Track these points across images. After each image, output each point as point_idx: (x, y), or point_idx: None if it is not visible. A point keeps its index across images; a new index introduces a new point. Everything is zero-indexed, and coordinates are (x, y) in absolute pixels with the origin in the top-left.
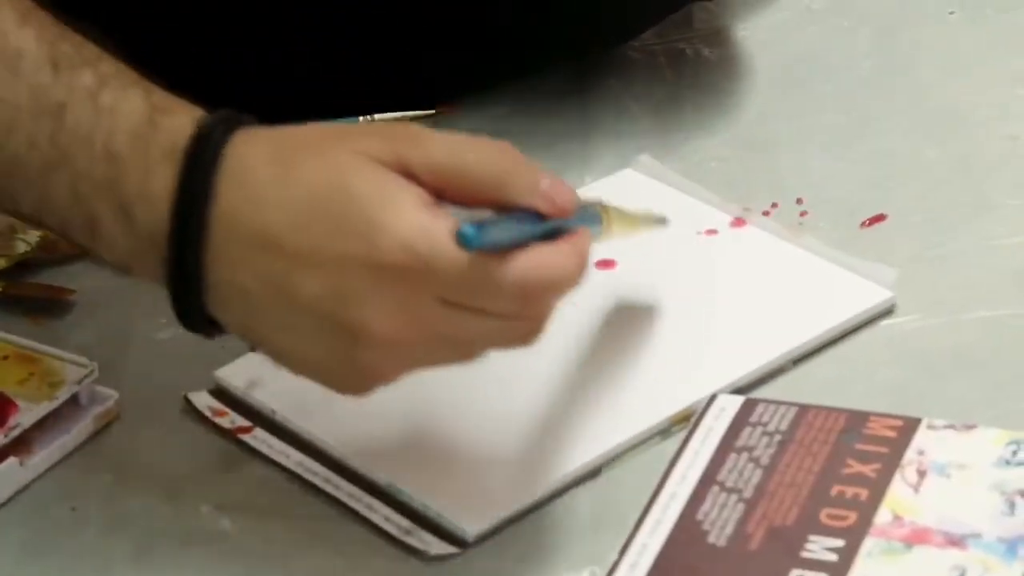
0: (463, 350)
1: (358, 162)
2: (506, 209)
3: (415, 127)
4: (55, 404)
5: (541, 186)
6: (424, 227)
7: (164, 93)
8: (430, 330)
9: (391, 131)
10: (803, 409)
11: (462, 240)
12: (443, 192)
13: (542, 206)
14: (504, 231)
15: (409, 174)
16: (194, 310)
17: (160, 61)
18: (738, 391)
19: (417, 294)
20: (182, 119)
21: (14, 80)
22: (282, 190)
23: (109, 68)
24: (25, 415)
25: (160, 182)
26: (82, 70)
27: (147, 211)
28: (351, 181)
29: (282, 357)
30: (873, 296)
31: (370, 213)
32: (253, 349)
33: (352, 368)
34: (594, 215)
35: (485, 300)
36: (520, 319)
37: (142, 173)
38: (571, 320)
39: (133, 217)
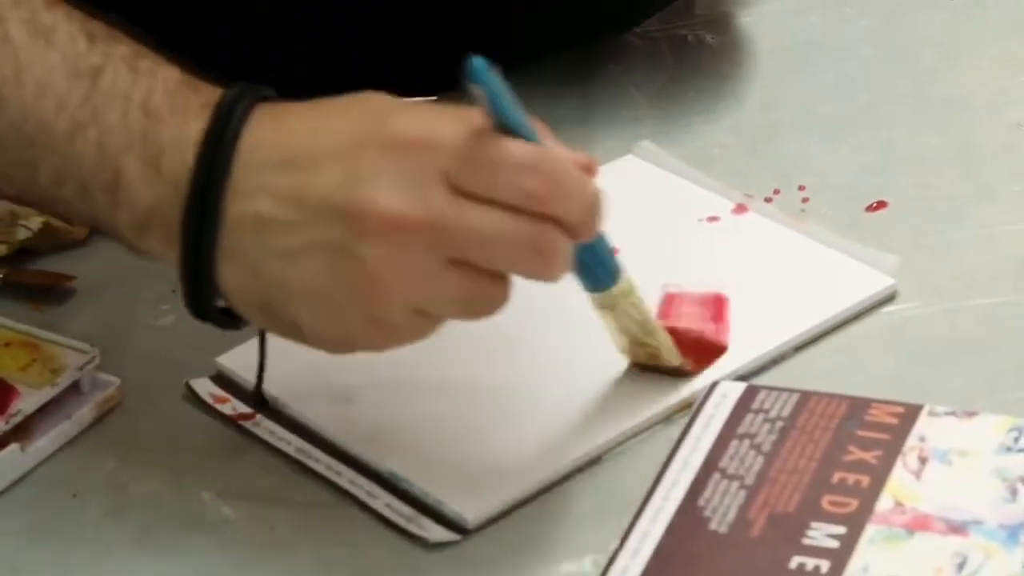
0: (472, 251)
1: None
2: None
3: None
4: (57, 390)
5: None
6: (439, 114)
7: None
8: (437, 216)
9: None
10: (805, 396)
11: (471, 68)
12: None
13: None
14: (517, 110)
15: None
16: (203, 265)
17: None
18: (740, 378)
19: (425, 169)
20: (218, 87)
21: (47, 49)
22: (308, 114)
23: (141, 44)
24: (27, 401)
25: (194, 129)
26: (117, 42)
27: (176, 156)
28: (374, 95)
29: (286, 294)
30: (875, 283)
31: (385, 103)
32: (262, 335)
33: (356, 280)
34: (616, 266)
35: (494, 178)
36: (527, 219)
37: (179, 123)
38: (572, 307)
39: (160, 167)
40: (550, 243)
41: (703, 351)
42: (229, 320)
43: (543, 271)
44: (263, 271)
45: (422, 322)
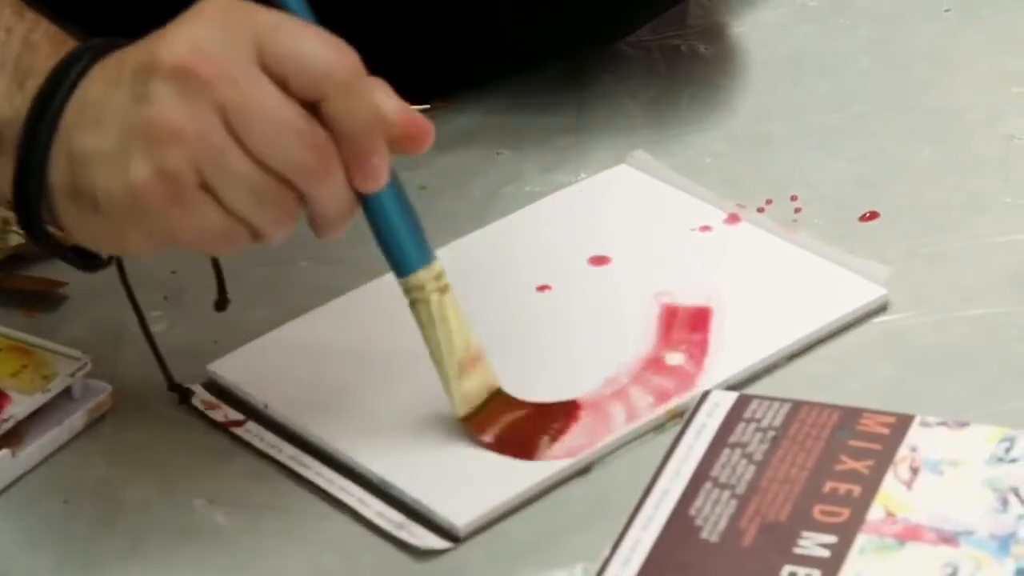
0: (253, 122)
1: None
2: None
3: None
4: (48, 396)
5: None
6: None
7: None
8: (231, 69)
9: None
10: (796, 405)
11: None
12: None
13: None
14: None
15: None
16: (36, 175)
17: None
18: (731, 387)
19: (239, 31)
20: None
21: None
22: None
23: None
24: (18, 407)
25: (58, 60)
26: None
27: (39, 80)
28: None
29: (86, 161)
30: (866, 293)
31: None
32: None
33: (146, 123)
34: (421, 248)
35: (297, 57)
36: (310, 119)
37: (52, 54)
38: (564, 314)
39: (24, 86)
40: (326, 151)
41: (521, 439)
42: (59, 249)
43: (312, 178)
44: (75, 148)
45: (212, 209)
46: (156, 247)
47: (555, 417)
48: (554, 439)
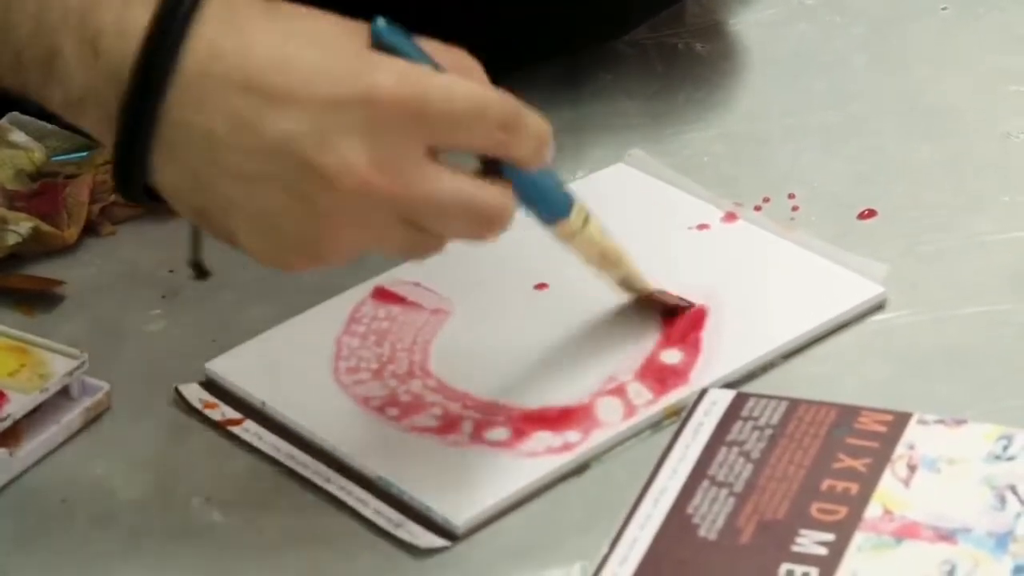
0: (428, 217)
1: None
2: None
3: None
4: (46, 395)
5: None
6: (415, 66)
7: None
8: (406, 186)
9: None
10: (794, 403)
11: (375, 28)
12: None
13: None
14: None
15: None
16: (138, 157)
17: None
18: (729, 385)
19: (404, 136)
20: None
21: None
22: (273, 30)
23: None
24: (15, 406)
25: (137, 16)
26: None
27: (116, 43)
28: (350, 26)
29: (230, 209)
30: (864, 291)
31: (361, 39)
32: (196, 227)
33: (308, 220)
34: (568, 198)
35: (469, 135)
36: (482, 187)
37: (119, 6)
38: (562, 313)
39: (99, 49)
40: (503, 211)
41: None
42: (159, 204)
43: (486, 236)
44: (208, 183)
45: (354, 256)
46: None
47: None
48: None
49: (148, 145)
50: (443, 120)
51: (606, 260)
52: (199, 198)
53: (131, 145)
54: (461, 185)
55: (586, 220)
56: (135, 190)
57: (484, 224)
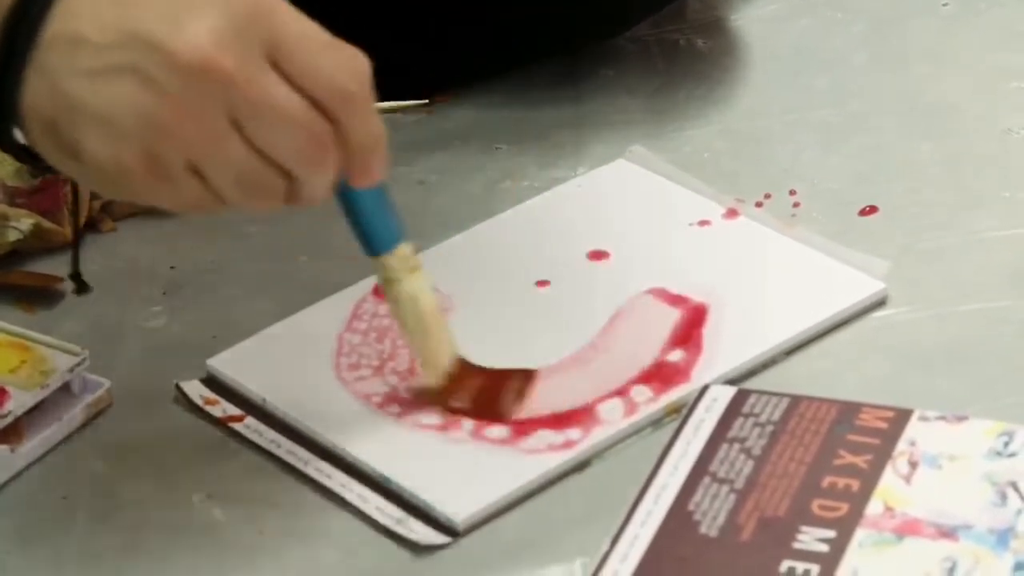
0: (259, 120)
1: None
2: None
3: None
4: (47, 392)
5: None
6: None
7: None
8: (243, 71)
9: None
10: (795, 400)
11: None
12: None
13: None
14: None
15: None
16: (9, 85)
17: None
18: (730, 382)
19: (253, 27)
20: None
21: None
22: None
23: None
24: (16, 403)
25: None
26: None
27: None
28: None
29: (76, 113)
30: (865, 288)
31: None
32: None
33: (150, 109)
34: (395, 230)
35: (311, 64)
36: (318, 114)
37: None
38: (563, 310)
39: None
40: (328, 146)
41: (490, 402)
42: (27, 156)
43: (311, 170)
44: (62, 89)
45: (196, 187)
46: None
47: (516, 379)
48: (518, 399)
49: (21, 67)
50: (291, 34)
51: (424, 322)
52: (51, 108)
53: (5, 67)
54: (298, 100)
55: (414, 269)
56: (5, 126)
57: (312, 147)
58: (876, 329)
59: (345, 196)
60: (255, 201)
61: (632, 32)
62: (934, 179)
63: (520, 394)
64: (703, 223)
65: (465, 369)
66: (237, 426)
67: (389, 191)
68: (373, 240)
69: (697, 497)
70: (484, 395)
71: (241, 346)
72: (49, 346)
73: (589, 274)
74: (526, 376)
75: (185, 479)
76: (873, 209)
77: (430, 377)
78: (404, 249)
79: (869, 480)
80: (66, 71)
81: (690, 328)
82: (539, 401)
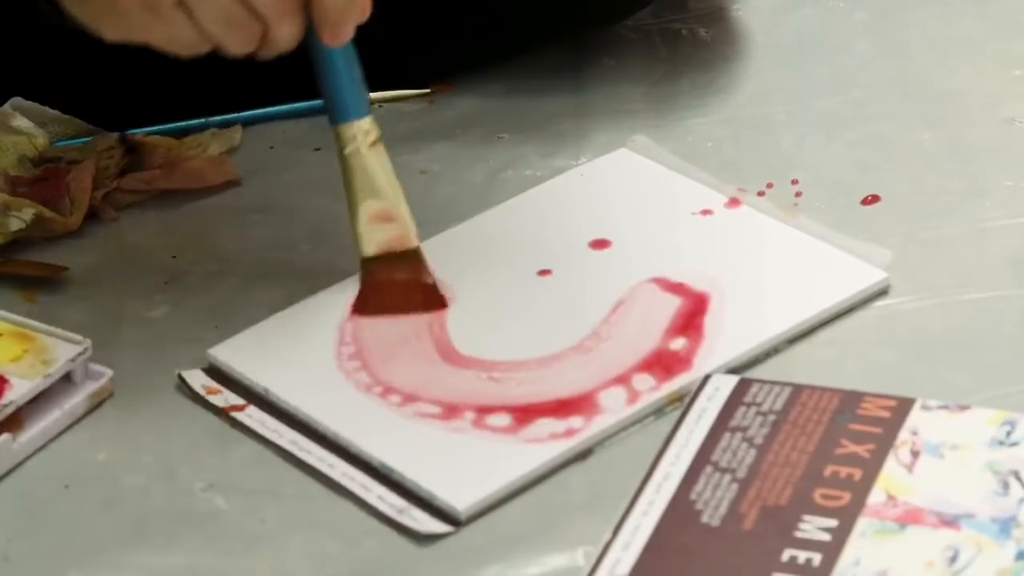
0: None
1: None
2: None
3: None
4: (49, 381)
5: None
6: None
7: None
8: None
9: None
10: (797, 389)
11: None
12: None
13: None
14: None
15: None
16: None
17: None
18: (732, 371)
19: None
20: None
21: None
22: None
23: None
24: (18, 392)
25: None
26: None
27: None
28: None
29: None
30: (867, 277)
31: None
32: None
33: None
34: (364, 101)
35: None
36: None
37: None
38: (566, 299)
39: None
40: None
41: (381, 295)
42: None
43: (281, 19)
44: None
45: (185, 24)
46: (131, 41)
47: (425, 300)
48: (402, 312)
49: None
50: None
51: (388, 188)
52: None
53: None
54: None
55: (375, 143)
56: None
57: (277, 6)
58: (878, 318)
59: (317, 57)
60: (235, 41)
61: (634, 21)
62: (936, 168)
63: (411, 310)
64: (705, 212)
65: (404, 258)
66: (239, 415)
67: (359, 68)
68: (338, 107)
69: (699, 486)
70: (390, 287)
71: (243, 336)
72: (51, 335)
73: (591, 263)
74: (438, 303)
75: (187, 468)
76: (875, 198)
77: (361, 246)
78: (366, 124)
79: (871, 469)
80: None
81: (692, 317)
82: (541, 389)
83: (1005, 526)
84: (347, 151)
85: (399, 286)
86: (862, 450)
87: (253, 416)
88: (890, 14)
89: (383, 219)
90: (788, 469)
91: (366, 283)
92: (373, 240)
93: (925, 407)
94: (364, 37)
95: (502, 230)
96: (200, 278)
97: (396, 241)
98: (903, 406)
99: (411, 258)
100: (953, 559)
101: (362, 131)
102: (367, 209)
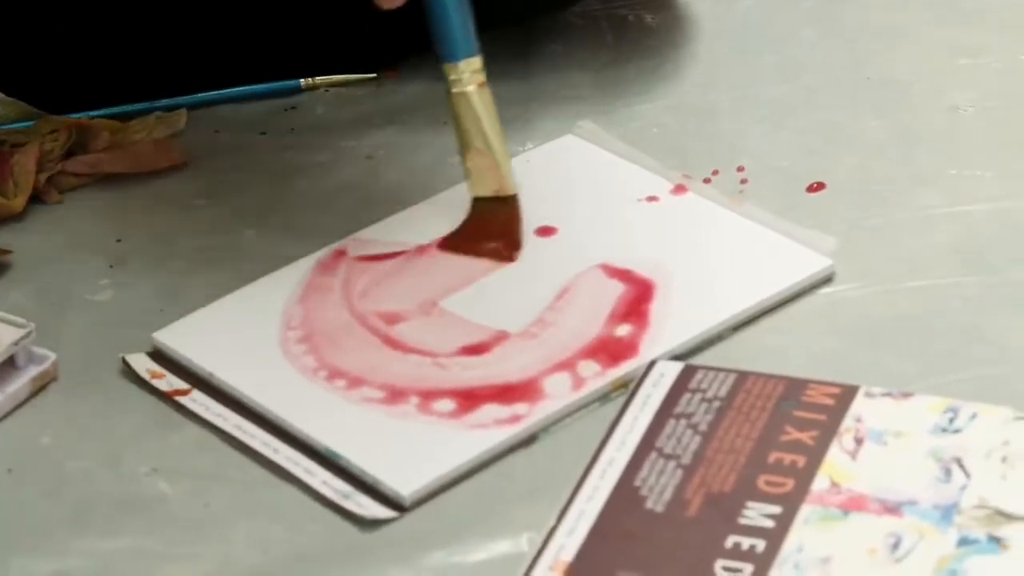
0: None
1: None
2: None
3: None
4: None
5: None
6: None
7: None
8: None
9: None
10: (742, 376)
11: None
12: None
13: None
14: None
15: None
16: None
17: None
18: (677, 357)
19: None
20: None
21: None
22: None
23: None
24: None
25: None
26: None
27: None
28: None
29: None
30: (812, 264)
31: None
32: None
33: None
34: (474, 41)
35: None
36: None
37: None
38: (511, 286)
39: None
40: None
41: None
42: None
43: None
44: None
45: None
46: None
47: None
48: (482, 256)
49: None
50: None
51: (491, 132)
52: None
53: None
54: None
55: (483, 85)
56: None
57: None
58: (823, 305)
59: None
60: None
61: (581, 7)
62: (882, 156)
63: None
64: (651, 199)
65: (503, 203)
66: (183, 400)
67: (469, 6)
68: (449, 45)
69: (644, 472)
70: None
71: (188, 319)
72: None
73: (537, 249)
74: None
75: (131, 453)
76: (821, 185)
77: (477, 188)
78: (476, 63)
79: (815, 456)
80: None
81: (637, 303)
82: (486, 375)
83: (947, 513)
84: (455, 91)
85: (494, 229)
86: (806, 437)
87: (197, 400)
88: (837, 2)
89: (488, 165)
90: (732, 456)
91: (469, 220)
92: (479, 183)
93: (869, 394)
94: (312, 22)
95: (449, 216)
96: (145, 262)
97: (499, 186)
98: (847, 393)
99: (512, 204)
100: (895, 546)
101: (471, 70)
102: (475, 154)
